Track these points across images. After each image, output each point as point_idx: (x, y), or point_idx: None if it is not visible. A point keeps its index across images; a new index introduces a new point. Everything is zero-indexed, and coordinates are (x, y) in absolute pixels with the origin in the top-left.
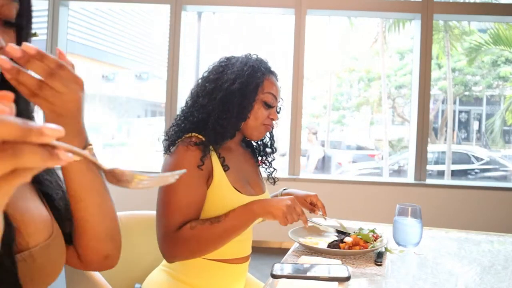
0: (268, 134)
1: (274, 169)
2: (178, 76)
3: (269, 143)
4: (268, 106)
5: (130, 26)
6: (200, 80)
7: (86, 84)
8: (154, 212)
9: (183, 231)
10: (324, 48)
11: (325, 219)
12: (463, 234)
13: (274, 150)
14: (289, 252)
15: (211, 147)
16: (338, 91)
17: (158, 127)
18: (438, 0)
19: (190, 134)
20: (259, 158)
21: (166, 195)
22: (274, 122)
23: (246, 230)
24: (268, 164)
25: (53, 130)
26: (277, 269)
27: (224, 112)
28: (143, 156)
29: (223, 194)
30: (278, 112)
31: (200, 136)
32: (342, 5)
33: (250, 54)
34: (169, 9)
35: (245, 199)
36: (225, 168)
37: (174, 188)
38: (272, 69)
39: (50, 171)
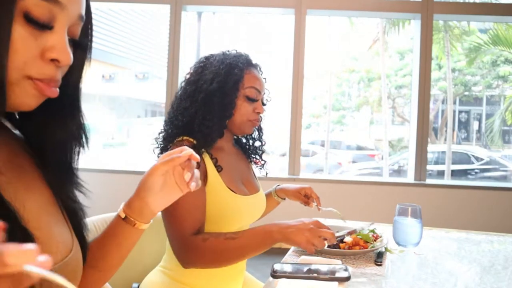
0: (255, 128)
1: (265, 161)
2: (178, 76)
3: (257, 136)
4: (251, 100)
5: (130, 26)
6: (183, 83)
7: (86, 84)
8: None
9: (197, 240)
10: (324, 48)
11: (319, 209)
12: (463, 234)
13: (263, 142)
14: (289, 252)
15: (202, 149)
16: (338, 91)
17: (158, 127)
18: (438, 0)
19: (181, 137)
20: (254, 158)
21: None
22: (260, 115)
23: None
24: (259, 157)
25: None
26: (277, 269)
27: (207, 113)
28: (143, 156)
29: (218, 195)
30: (264, 104)
31: (191, 139)
32: (342, 5)
33: (228, 51)
34: (169, 9)
35: (240, 199)
36: (219, 169)
37: None
38: (253, 62)
39: (75, 185)
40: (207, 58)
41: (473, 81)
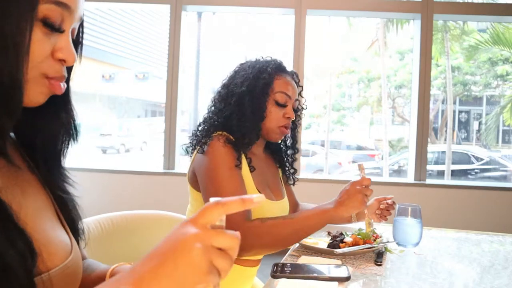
0: (289, 134)
1: (295, 169)
2: (178, 76)
3: (290, 144)
4: (280, 105)
5: (130, 26)
6: (219, 87)
7: (87, 84)
8: (155, 212)
9: (254, 224)
10: (324, 48)
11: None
12: (463, 234)
13: (296, 151)
14: (289, 252)
15: (243, 147)
16: (338, 91)
17: (158, 127)
18: (438, 0)
19: (220, 132)
20: (285, 166)
21: (216, 188)
22: (291, 120)
23: None
24: (288, 166)
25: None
26: (277, 269)
27: (242, 115)
28: (143, 156)
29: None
30: (296, 110)
31: (231, 137)
32: (342, 5)
33: (262, 57)
34: (169, 9)
35: (266, 203)
36: (251, 169)
37: (221, 182)
38: (285, 68)
39: (64, 177)
40: (241, 63)
41: (473, 80)
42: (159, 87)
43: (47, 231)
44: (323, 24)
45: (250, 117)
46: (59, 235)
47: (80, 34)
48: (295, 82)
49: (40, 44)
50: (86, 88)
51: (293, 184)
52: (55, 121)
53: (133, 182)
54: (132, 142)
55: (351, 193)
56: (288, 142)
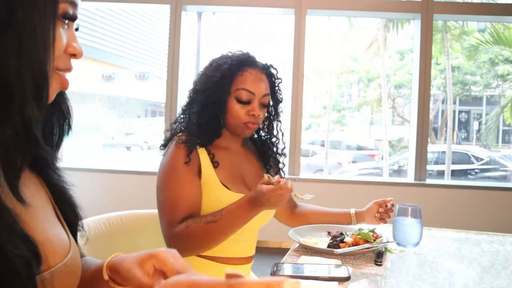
0: (277, 132)
1: (283, 164)
2: (178, 76)
3: (273, 140)
4: (242, 102)
5: (130, 26)
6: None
7: (87, 84)
8: (154, 211)
9: (179, 229)
10: (324, 49)
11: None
12: (463, 234)
13: (275, 147)
14: (289, 252)
15: (198, 143)
16: (338, 91)
17: (158, 127)
18: (438, 0)
19: (180, 133)
20: (269, 161)
21: (161, 193)
22: (258, 116)
23: (251, 231)
24: (273, 164)
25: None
26: (277, 269)
27: (200, 112)
28: (143, 156)
29: (211, 190)
30: (267, 106)
31: (188, 135)
32: (342, 5)
33: (230, 52)
34: (169, 9)
35: (234, 196)
36: (215, 164)
37: (167, 185)
38: (251, 62)
39: (67, 191)
40: (211, 60)
41: (473, 80)
42: (159, 87)
43: (47, 230)
44: (323, 24)
45: (210, 115)
46: (58, 233)
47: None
48: (268, 75)
49: (60, 39)
50: (86, 88)
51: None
52: (53, 106)
53: (133, 182)
54: (131, 141)
55: (269, 193)
56: (273, 139)
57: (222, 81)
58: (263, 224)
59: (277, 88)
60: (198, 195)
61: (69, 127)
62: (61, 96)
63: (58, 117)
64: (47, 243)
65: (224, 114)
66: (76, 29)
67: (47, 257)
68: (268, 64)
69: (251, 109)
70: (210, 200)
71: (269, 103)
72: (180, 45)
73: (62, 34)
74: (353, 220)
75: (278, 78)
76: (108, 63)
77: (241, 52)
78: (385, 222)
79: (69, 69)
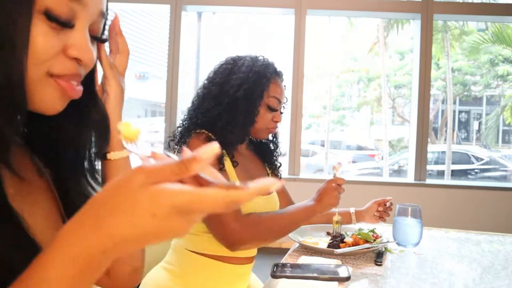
0: (271, 135)
1: (279, 163)
2: (178, 76)
3: (274, 140)
4: (272, 109)
5: (130, 26)
6: (206, 82)
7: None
8: None
9: (252, 216)
10: (324, 48)
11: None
12: (463, 234)
13: (276, 146)
14: (289, 252)
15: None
16: (338, 91)
17: (158, 127)
18: (438, 0)
19: (200, 130)
20: (270, 160)
21: None
22: (277, 124)
23: None
24: (274, 160)
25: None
26: (277, 269)
27: (232, 118)
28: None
29: None
30: (281, 113)
31: (211, 134)
32: (342, 5)
33: (257, 57)
34: (169, 9)
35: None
36: (234, 164)
37: None
38: (278, 70)
39: (80, 185)
40: (234, 60)
41: (473, 80)
42: (159, 87)
43: (50, 228)
44: (323, 24)
45: (241, 121)
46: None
47: (105, 31)
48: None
49: (44, 39)
50: None
51: (280, 177)
52: (85, 120)
53: None
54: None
55: (327, 190)
56: (274, 140)
57: (261, 89)
58: None
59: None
60: None
61: (106, 135)
62: (93, 105)
63: (91, 127)
64: (49, 240)
65: (255, 119)
66: (100, 39)
67: None
68: (281, 72)
69: (276, 115)
70: None
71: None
72: (180, 45)
73: (50, 33)
74: (352, 219)
75: (284, 85)
76: None
77: (264, 58)
78: (385, 221)
79: (70, 75)
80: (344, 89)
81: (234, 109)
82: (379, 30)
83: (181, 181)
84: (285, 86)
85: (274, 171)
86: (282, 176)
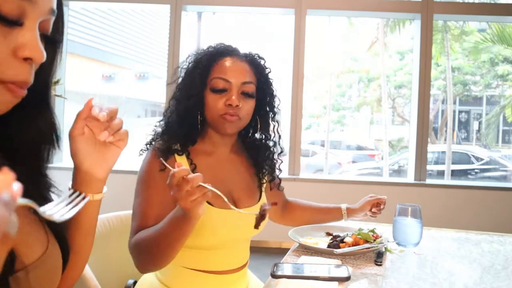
0: (275, 133)
1: (279, 170)
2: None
3: (265, 144)
4: (217, 91)
5: (130, 26)
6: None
7: (87, 84)
8: None
9: (134, 239)
10: (324, 48)
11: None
12: (463, 234)
13: (271, 149)
14: (289, 252)
15: (178, 151)
16: (338, 91)
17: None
18: (438, 0)
19: (159, 139)
20: (264, 164)
21: (134, 200)
22: (235, 106)
23: (245, 243)
24: (268, 168)
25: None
26: (277, 269)
27: (177, 111)
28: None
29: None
30: (250, 96)
31: (167, 142)
32: (342, 5)
33: (204, 48)
34: (169, 9)
35: (216, 212)
36: (192, 167)
37: (138, 192)
38: (230, 51)
39: (47, 185)
40: (185, 60)
41: (473, 80)
42: (159, 87)
43: (24, 227)
44: (323, 24)
45: (184, 110)
46: (35, 230)
47: (60, 31)
48: (251, 62)
49: None
50: (86, 88)
51: (278, 187)
52: (31, 128)
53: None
54: (131, 142)
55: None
56: (259, 139)
57: (197, 72)
58: (256, 233)
59: (265, 78)
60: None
61: (56, 140)
62: (44, 110)
63: (41, 130)
64: (23, 239)
65: (202, 109)
66: (50, 38)
67: (24, 255)
68: (252, 53)
69: (228, 98)
70: None
71: (254, 94)
72: (180, 45)
73: None
74: (344, 215)
75: (266, 68)
76: (108, 63)
77: (221, 44)
78: (375, 217)
79: (25, 82)
80: (344, 89)
81: (179, 102)
82: (379, 30)
83: None
84: (268, 68)
85: (264, 177)
86: (280, 181)
